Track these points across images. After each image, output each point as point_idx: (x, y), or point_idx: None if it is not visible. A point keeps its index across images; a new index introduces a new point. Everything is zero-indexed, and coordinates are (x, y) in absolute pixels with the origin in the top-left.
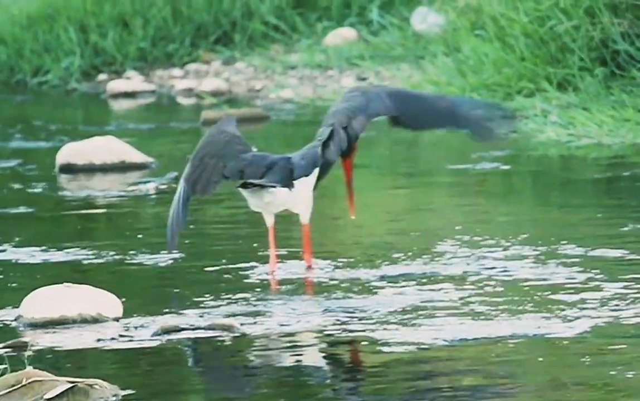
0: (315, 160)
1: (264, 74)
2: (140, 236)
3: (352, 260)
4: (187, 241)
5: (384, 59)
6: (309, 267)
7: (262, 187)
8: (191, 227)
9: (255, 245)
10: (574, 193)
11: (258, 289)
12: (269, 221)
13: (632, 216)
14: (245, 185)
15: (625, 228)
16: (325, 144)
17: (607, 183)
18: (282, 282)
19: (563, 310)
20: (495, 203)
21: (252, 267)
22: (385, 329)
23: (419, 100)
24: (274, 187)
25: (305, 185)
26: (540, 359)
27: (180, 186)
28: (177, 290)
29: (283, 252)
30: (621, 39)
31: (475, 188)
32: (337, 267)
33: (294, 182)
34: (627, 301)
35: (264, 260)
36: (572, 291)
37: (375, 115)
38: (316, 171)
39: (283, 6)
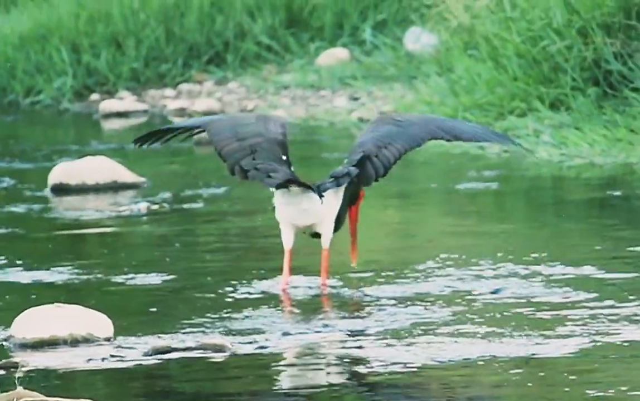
0: (342, 179)
1: (257, 94)
2: (131, 256)
3: (343, 279)
4: (177, 261)
5: (377, 79)
6: (324, 286)
7: (305, 188)
8: (177, 245)
9: (245, 263)
10: (566, 213)
11: (250, 308)
12: (288, 242)
13: (625, 236)
14: (288, 183)
15: (617, 248)
16: (361, 167)
17: (600, 203)
18: (273, 300)
19: (553, 330)
20: (487, 223)
21: (244, 285)
22: (376, 348)
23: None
24: (313, 191)
25: (332, 203)
26: (528, 379)
27: (201, 121)
28: (169, 310)
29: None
30: (614, 59)
31: (467, 208)
32: (328, 286)
33: (322, 197)
34: (615, 322)
35: (255, 277)
36: (562, 311)
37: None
38: (341, 193)
39: (276, 26)
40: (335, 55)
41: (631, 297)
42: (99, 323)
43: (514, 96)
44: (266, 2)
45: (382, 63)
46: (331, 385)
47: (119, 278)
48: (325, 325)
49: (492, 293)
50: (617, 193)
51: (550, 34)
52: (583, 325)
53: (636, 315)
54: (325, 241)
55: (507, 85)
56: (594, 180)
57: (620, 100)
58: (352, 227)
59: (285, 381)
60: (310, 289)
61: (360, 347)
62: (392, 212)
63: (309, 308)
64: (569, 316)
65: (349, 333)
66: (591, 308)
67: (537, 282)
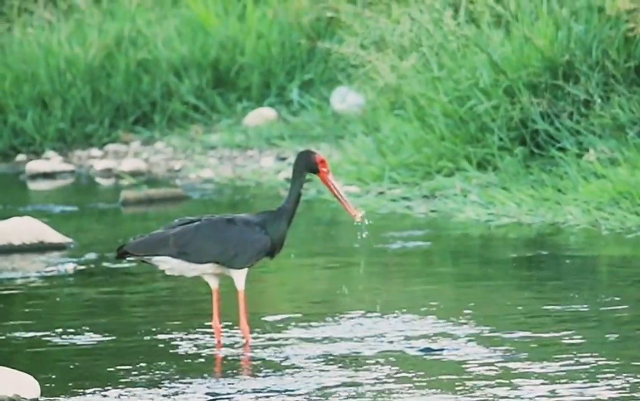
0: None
1: (184, 153)
2: (58, 316)
3: (273, 340)
4: (104, 321)
5: (304, 139)
6: (246, 343)
7: (143, 261)
8: (103, 305)
9: (172, 322)
10: (493, 273)
11: (177, 367)
12: (211, 285)
13: (551, 296)
14: (125, 255)
15: (545, 308)
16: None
17: (527, 262)
18: (201, 360)
19: (479, 388)
20: (415, 282)
21: (171, 345)
22: None
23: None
24: (159, 256)
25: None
26: None
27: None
28: (95, 370)
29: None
30: (540, 119)
31: (394, 267)
32: (254, 347)
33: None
34: (538, 379)
35: (182, 337)
36: (489, 370)
37: None
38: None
39: (203, 86)
40: (262, 115)
41: (553, 356)
42: (25, 384)
43: (441, 156)
44: (193, 62)
45: (309, 123)
46: None
47: (45, 339)
48: (251, 385)
49: (421, 352)
50: (545, 252)
51: (477, 93)
52: (506, 384)
53: (558, 372)
54: (237, 284)
55: (434, 145)
56: (521, 239)
57: (547, 159)
58: (334, 194)
59: None
60: (238, 343)
61: None
62: (319, 271)
63: (236, 366)
64: (493, 376)
65: (277, 393)
66: (514, 368)
67: (465, 341)
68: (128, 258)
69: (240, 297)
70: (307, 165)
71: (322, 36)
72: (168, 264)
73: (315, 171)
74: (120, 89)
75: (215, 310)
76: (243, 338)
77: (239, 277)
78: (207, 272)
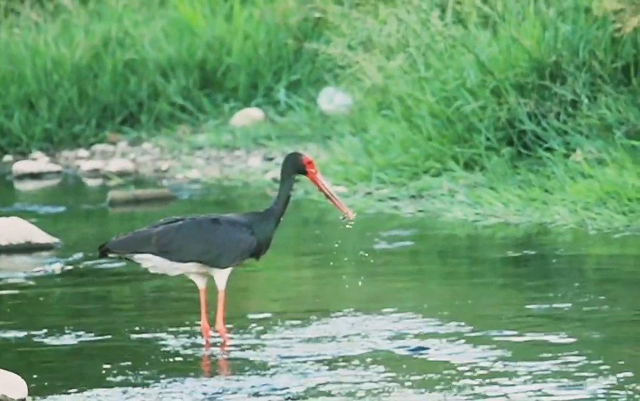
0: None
1: (171, 154)
2: (45, 316)
3: (260, 339)
4: (91, 320)
5: (291, 139)
6: (224, 343)
7: (126, 259)
8: (91, 304)
9: (160, 322)
10: (480, 273)
11: (166, 367)
12: (198, 285)
13: (538, 296)
14: (108, 252)
15: (532, 308)
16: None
17: (514, 262)
18: (189, 360)
19: (465, 387)
20: (402, 281)
21: (160, 345)
22: None
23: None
24: (141, 254)
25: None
26: None
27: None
28: (83, 370)
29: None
30: (527, 119)
31: (382, 267)
32: (236, 347)
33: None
34: (523, 381)
35: (170, 336)
36: (475, 370)
37: None
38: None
39: (190, 87)
40: (249, 116)
41: (540, 355)
42: (12, 384)
43: (428, 156)
44: (180, 63)
45: (296, 123)
46: None
47: (33, 339)
48: (239, 385)
49: (408, 351)
50: (532, 252)
51: (464, 94)
52: (493, 383)
53: (545, 371)
54: (218, 283)
55: (421, 145)
56: (508, 239)
57: (534, 160)
58: (325, 194)
59: None
60: (226, 343)
61: None
62: (306, 270)
63: (224, 366)
64: (481, 374)
65: (264, 393)
66: (498, 365)
67: (452, 342)
68: (110, 255)
69: (220, 297)
70: (294, 167)
71: (309, 37)
72: (150, 262)
73: (304, 172)
74: (107, 89)
75: (203, 309)
76: (221, 337)
77: (221, 276)
78: (191, 271)
